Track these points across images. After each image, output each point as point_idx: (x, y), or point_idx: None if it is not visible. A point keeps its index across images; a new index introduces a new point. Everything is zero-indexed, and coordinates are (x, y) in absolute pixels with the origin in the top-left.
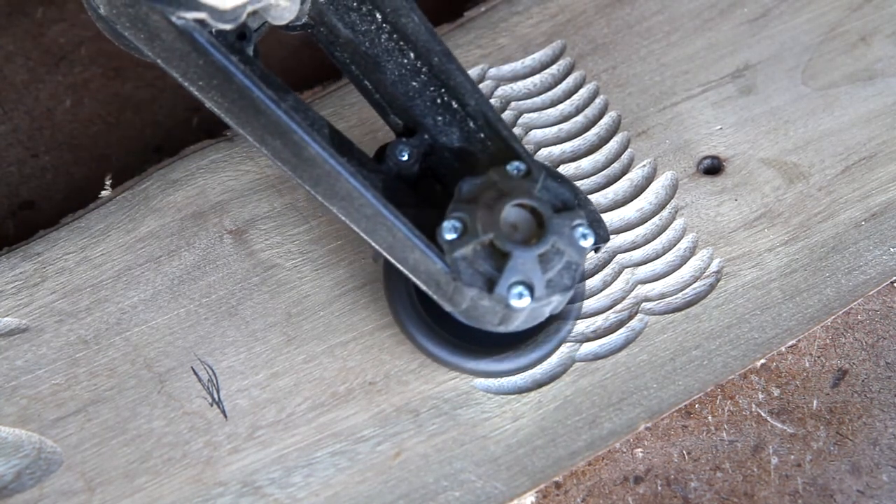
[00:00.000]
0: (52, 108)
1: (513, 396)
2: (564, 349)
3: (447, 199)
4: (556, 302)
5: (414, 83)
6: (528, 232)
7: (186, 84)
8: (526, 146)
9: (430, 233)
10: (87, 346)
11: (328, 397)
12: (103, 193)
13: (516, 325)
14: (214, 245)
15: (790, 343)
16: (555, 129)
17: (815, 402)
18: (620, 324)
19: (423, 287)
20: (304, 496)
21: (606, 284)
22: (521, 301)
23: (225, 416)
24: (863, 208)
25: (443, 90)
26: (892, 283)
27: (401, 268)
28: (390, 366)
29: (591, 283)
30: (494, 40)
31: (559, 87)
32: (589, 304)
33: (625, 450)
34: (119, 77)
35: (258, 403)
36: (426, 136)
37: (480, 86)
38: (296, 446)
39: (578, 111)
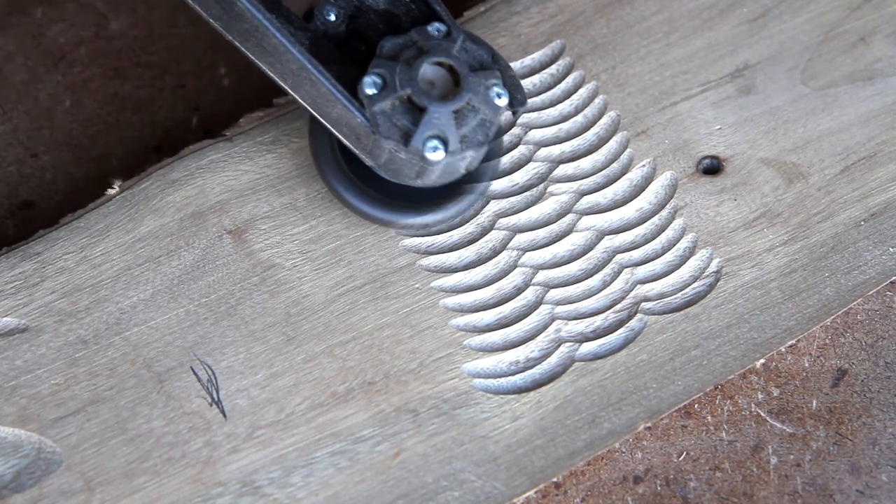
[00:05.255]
0: (51, 108)
1: (512, 396)
2: (564, 349)
3: (372, 59)
4: (470, 157)
5: None
6: (444, 89)
7: None
8: (525, 146)
9: (353, 89)
10: (87, 346)
11: (327, 397)
12: (109, 192)
13: (433, 179)
14: (214, 245)
15: (790, 343)
16: (554, 128)
17: (814, 402)
18: (620, 324)
19: (345, 141)
20: (304, 496)
21: (606, 284)
22: (435, 154)
23: (224, 415)
24: (862, 208)
25: None
26: (891, 282)
27: (324, 122)
28: (389, 366)
29: (590, 283)
30: (494, 40)
31: (558, 87)
32: (588, 304)
33: (624, 450)
34: (119, 77)
35: (257, 403)
36: None
37: None
38: (295, 446)
39: (578, 111)
